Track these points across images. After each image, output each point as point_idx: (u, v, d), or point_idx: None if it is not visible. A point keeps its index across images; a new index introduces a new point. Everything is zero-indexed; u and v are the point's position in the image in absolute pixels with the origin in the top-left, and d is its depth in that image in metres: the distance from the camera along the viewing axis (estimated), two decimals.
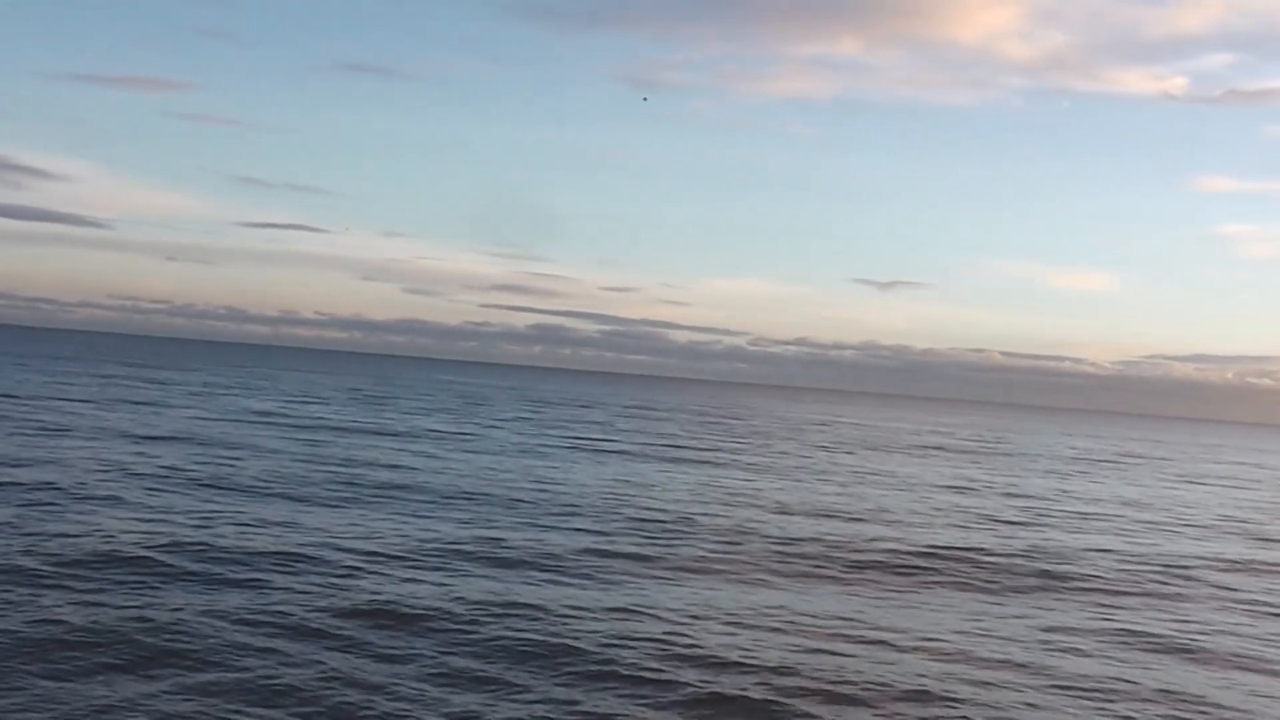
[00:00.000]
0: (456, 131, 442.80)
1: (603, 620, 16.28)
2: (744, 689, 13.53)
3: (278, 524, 22.32)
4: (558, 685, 13.17)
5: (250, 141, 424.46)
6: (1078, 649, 17.12)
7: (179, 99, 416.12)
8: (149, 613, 14.74)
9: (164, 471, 28.96)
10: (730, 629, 16.45)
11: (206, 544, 19.42)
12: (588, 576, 19.56)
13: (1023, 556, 25.58)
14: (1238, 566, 27.73)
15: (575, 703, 12.59)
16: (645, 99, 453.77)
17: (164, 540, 19.36)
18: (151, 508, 23.07)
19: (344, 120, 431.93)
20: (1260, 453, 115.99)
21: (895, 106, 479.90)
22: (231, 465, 31.64)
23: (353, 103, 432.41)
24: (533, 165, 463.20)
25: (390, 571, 18.63)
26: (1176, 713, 14.29)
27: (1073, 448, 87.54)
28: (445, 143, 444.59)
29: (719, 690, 13.37)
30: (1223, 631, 19.63)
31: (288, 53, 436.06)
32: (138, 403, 54.51)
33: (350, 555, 19.66)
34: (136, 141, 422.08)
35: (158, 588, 16.27)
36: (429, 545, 21.19)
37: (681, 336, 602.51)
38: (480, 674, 13.34)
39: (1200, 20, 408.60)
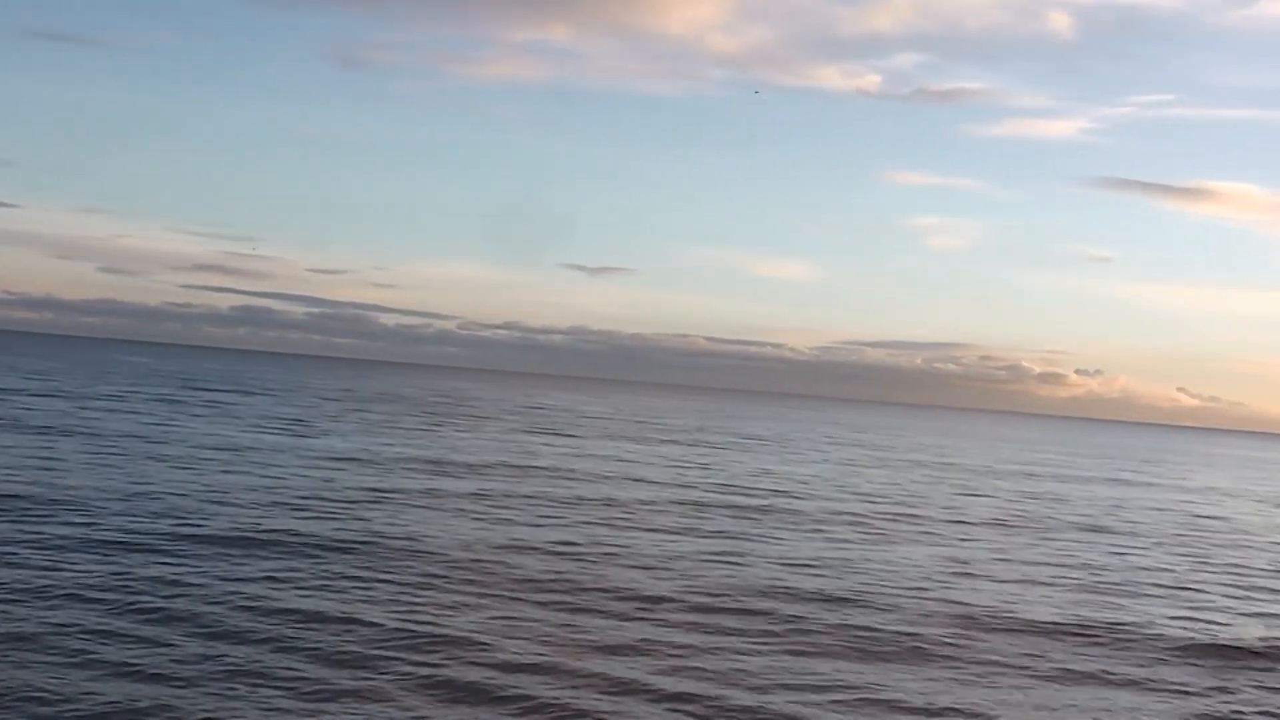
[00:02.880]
0: (158, 105, 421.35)
1: None
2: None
3: None
4: None
5: None
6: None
7: None
8: None
9: None
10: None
11: None
12: None
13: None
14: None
15: None
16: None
17: None
18: None
19: (36, 90, 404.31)
20: (898, 432, 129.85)
21: (605, 94, 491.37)
22: None
23: (45, 72, 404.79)
24: (239, 142, 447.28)
25: None
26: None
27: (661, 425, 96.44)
28: (146, 116, 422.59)
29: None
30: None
31: None
32: None
33: None
34: None
35: None
36: None
37: (391, 320, 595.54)
38: None
39: (890, 21, 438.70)
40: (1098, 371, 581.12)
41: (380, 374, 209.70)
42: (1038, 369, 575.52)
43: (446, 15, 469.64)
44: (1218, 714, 14.47)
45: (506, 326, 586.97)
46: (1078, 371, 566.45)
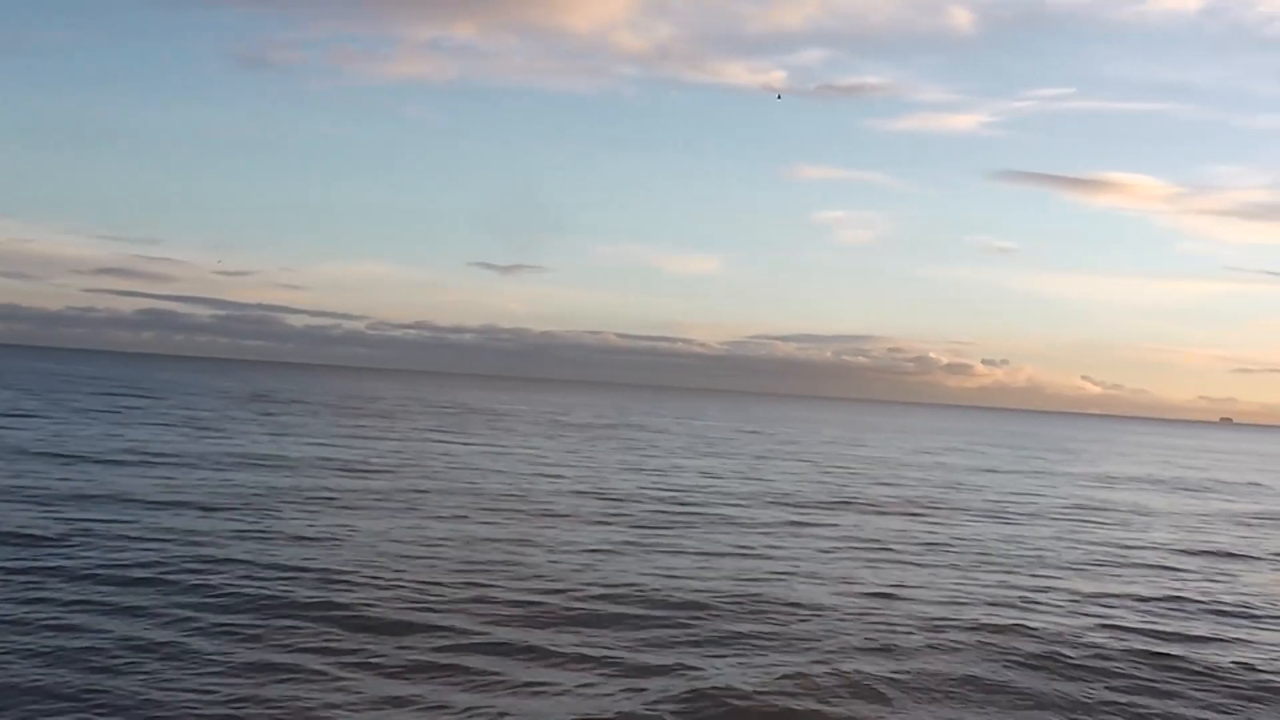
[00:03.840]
0: (57, 106, 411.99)
1: None
2: None
3: None
4: None
5: None
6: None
7: None
8: None
9: None
10: None
11: None
12: None
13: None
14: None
15: None
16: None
17: None
18: None
19: None
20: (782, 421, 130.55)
21: (513, 92, 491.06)
22: None
23: None
24: (141, 143, 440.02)
25: None
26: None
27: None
28: (45, 118, 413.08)
29: None
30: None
31: None
32: None
33: None
34: None
35: None
36: None
37: (299, 321, 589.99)
38: None
39: (796, 18, 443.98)
40: (1004, 361, 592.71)
41: (287, 376, 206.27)
42: (945, 360, 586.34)
43: (350, 13, 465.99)
44: None
45: (417, 326, 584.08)
46: (984, 362, 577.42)
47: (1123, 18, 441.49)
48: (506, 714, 12.59)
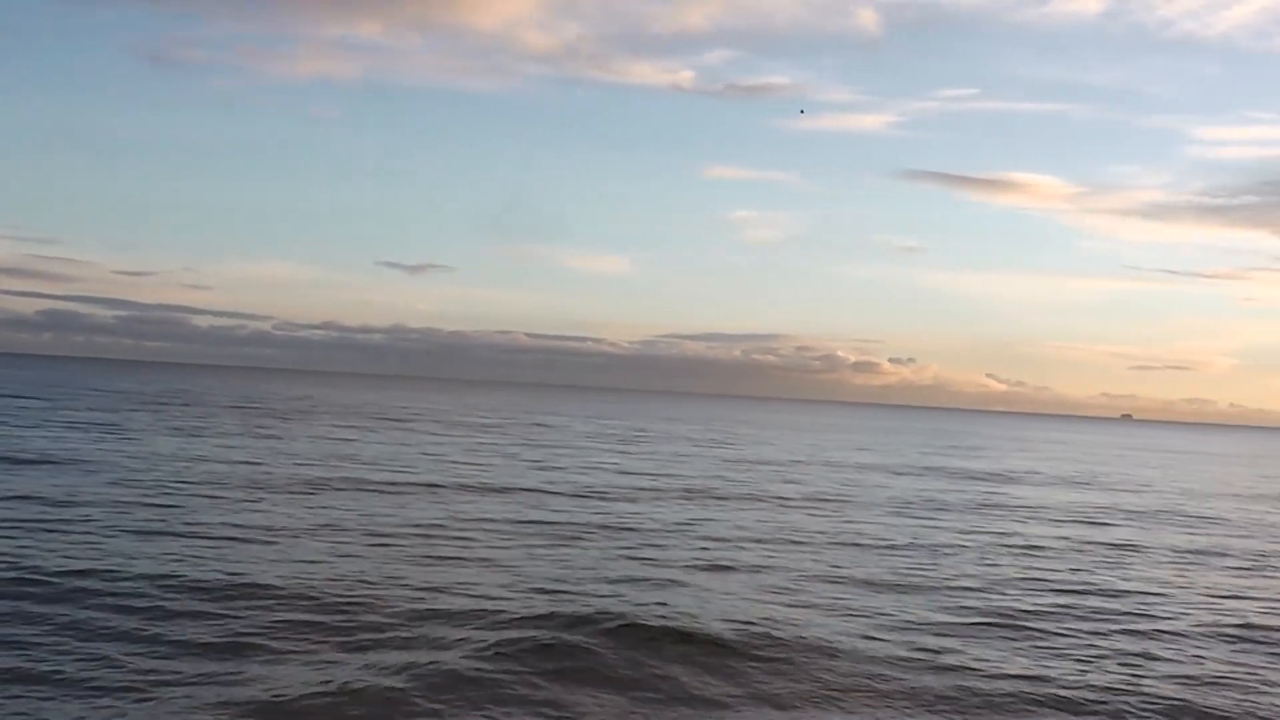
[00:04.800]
0: None
1: None
2: None
3: None
4: None
5: None
6: None
7: None
8: None
9: None
10: None
11: None
12: None
13: None
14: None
15: None
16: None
17: None
18: None
19: None
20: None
21: (419, 90, 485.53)
22: None
23: None
24: (41, 141, 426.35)
25: None
26: None
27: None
28: None
29: None
30: None
31: None
32: None
33: None
34: None
35: None
36: None
37: (204, 321, 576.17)
38: None
39: (702, 17, 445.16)
40: (910, 359, 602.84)
41: (190, 377, 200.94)
42: (853, 358, 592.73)
43: (255, 11, 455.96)
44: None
45: (324, 326, 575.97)
46: (891, 360, 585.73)
47: (1025, 19, 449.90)
48: None
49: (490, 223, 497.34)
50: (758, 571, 22.46)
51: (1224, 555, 29.69)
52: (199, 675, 13.33)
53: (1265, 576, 26.35)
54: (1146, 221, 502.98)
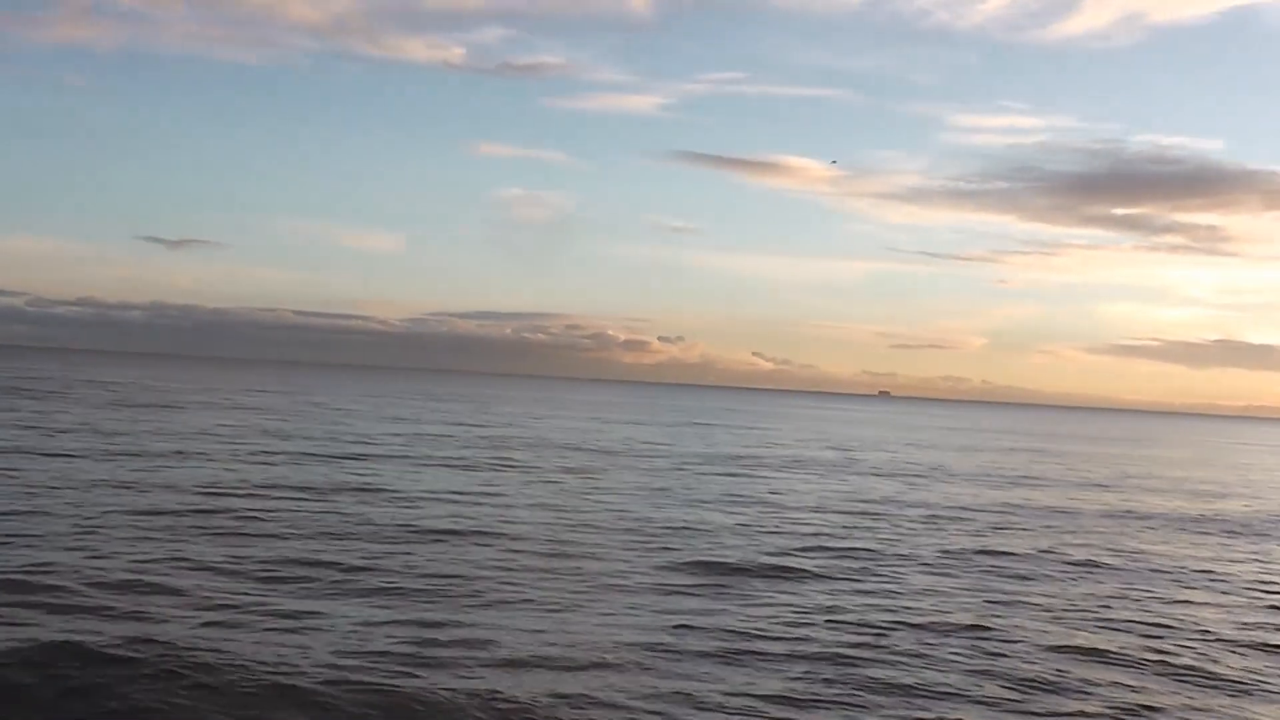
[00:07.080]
0: None
1: None
2: None
3: None
4: None
5: None
6: None
7: None
8: None
9: None
10: None
11: None
12: None
13: None
14: None
15: None
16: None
17: None
18: None
19: None
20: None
21: (182, 60, 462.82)
22: None
23: None
24: None
25: None
26: None
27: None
28: None
29: None
30: None
31: None
32: None
33: None
34: None
35: None
36: None
37: None
38: None
39: None
40: (679, 338, 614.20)
41: None
42: (622, 337, 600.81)
43: None
44: None
45: (80, 303, 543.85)
46: (660, 339, 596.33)
47: (790, 5, 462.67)
48: None
49: (255, 198, 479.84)
50: None
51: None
52: None
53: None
54: (905, 205, 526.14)
